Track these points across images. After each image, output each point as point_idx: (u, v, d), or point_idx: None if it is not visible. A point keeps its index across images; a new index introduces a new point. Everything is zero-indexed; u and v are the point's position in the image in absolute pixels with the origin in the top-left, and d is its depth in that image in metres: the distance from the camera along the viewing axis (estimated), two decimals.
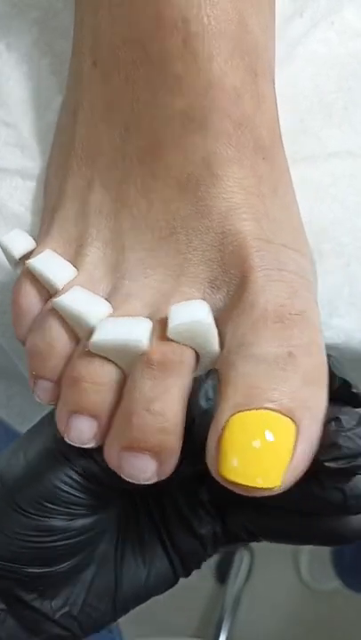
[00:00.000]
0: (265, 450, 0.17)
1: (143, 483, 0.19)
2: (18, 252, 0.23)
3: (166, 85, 0.20)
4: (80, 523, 0.21)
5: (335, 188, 0.25)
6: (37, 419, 0.23)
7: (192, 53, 0.20)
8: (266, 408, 0.18)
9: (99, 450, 0.20)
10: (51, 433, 0.21)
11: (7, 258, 0.24)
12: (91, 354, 0.20)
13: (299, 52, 0.26)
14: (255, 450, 0.17)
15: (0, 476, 0.22)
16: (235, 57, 0.20)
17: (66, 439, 0.20)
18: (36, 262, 0.22)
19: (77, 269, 0.22)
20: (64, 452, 0.21)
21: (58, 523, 0.21)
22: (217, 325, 0.20)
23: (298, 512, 0.21)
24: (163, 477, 0.19)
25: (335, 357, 0.20)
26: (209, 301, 0.20)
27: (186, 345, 0.20)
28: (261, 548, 0.83)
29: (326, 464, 0.18)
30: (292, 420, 0.18)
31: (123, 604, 0.23)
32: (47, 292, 0.22)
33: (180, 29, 0.20)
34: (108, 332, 0.20)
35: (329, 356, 0.20)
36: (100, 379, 0.20)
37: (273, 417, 0.18)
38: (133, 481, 0.19)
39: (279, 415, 0.18)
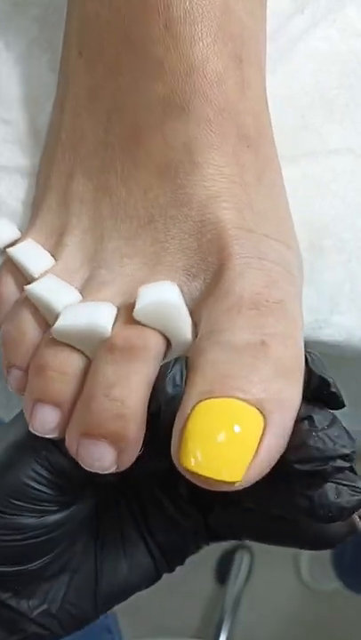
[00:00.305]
0: (229, 442, 0.16)
1: (102, 472, 0.18)
2: (2, 241, 0.23)
3: (148, 71, 0.20)
4: (51, 519, 0.20)
5: (336, 184, 0.25)
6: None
7: (174, 38, 0.19)
8: (233, 397, 0.17)
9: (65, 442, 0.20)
10: (21, 427, 0.21)
11: None
12: (57, 342, 0.19)
13: (300, 48, 0.26)
14: (219, 441, 0.16)
15: None
16: (218, 42, 0.20)
17: (30, 429, 0.20)
18: (14, 251, 0.22)
19: (56, 259, 0.22)
20: (31, 446, 0.20)
21: (27, 520, 0.20)
22: (192, 315, 0.19)
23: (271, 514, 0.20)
24: (123, 467, 0.18)
25: (316, 354, 0.19)
26: (185, 290, 0.20)
27: (153, 329, 0.19)
28: (261, 548, 0.82)
29: (295, 466, 0.17)
30: (261, 413, 0.17)
31: (104, 600, 0.22)
32: (26, 281, 0.22)
33: (163, 14, 0.19)
34: (70, 318, 0.19)
35: (309, 353, 0.19)
36: (64, 367, 0.19)
37: (240, 407, 0.17)
38: (92, 470, 0.18)
39: (247, 405, 0.17)
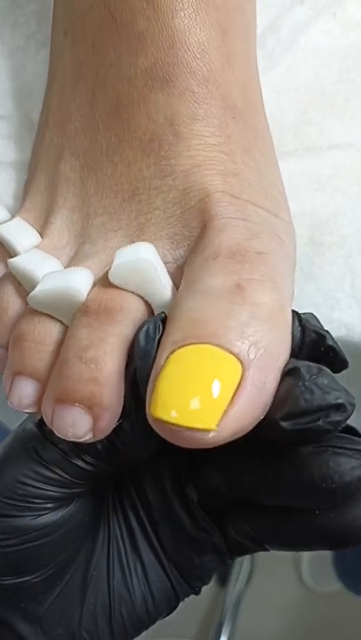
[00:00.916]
0: (203, 389, 0.15)
1: (78, 440, 0.17)
2: None
3: (130, 45, 0.20)
4: (47, 519, 0.19)
5: (337, 179, 0.25)
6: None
7: (154, 10, 0.19)
8: (208, 343, 0.15)
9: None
10: (23, 425, 0.20)
11: None
12: (34, 312, 0.19)
13: (300, 42, 0.26)
14: (192, 388, 0.15)
15: None
16: (200, 12, 0.19)
17: (8, 403, 0.19)
18: (1, 228, 0.22)
19: (43, 237, 0.22)
20: (19, 440, 0.19)
21: (21, 521, 0.19)
22: (178, 281, 0.19)
23: (288, 508, 0.18)
24: (100, 436, 0.17)
25: (309, 313, 0.18)
26: (170, 258, 0.19)
27: (131, 293, 0.18)
28: None
29: (282, 425, 0.15)
30: (238, 360, 0.15)
31: (121, 628, 0.20)
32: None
33: None
34: (46, 284, 0.19)
35: (303, 314, 0.18)
36: (42, 337, 0.19)
37: (215, 353, 0.15)
38: (67, 438, 0.17)
39: (223, 352, 0.15)
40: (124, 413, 0.18)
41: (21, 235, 0.22)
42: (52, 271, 0.20)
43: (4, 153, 0.26)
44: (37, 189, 0.23)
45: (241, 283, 0.16)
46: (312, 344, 0.17)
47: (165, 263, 0.19)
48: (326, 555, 0.81)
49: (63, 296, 0.18)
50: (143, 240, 0.20)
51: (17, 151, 0.26)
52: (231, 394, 0.15)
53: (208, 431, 0.15)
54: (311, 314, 0.18)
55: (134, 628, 0.20)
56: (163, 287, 0.18)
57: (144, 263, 0.18)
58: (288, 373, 0.16)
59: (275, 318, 0.17)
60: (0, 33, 0.26)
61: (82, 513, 0.21)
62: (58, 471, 0.19)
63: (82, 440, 0.17)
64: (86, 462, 0.19)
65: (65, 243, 0.21)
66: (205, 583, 0.21)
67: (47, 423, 0.18)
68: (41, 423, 0.19)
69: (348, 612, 0.83)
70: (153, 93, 0.19)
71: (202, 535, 0.20)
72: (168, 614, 0.21)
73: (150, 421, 0.16)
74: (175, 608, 0.21)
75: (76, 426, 0.17)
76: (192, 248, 0.19)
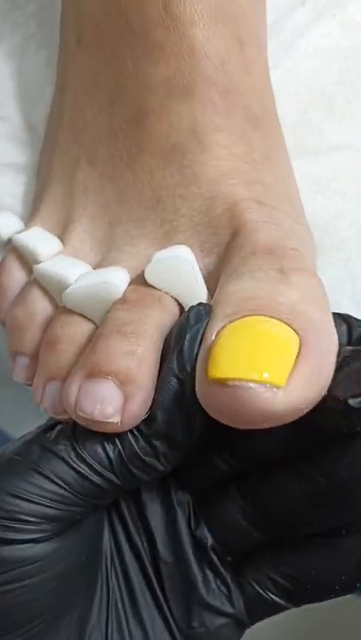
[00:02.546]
0: (267, 350, 0.14)
1: (105, 420, 0.15)
2: (6, 233, 0.23)
3: (149, 54, 0.20)
4: (37, 550, 0.16)
5: (337, 182, 0.25)
6: (31, 423, 0.22)
7: (173, 19, 0.19)
8: (262, 315, 0.15)
9: (68, 444, 0.16)
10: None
11: None
12: (67, 314, 0.19)
13: (301, 44, 0.25)
14: (255, 350, 0.14)
15: None
16: (218, 23, 0.19)
17: (41, 408, 0.18)
18: (22, 237, 0.22)
19: (64, 245, 0.21)
20: (14, 451, 0.17)
21: (7, 551, 0.16)
22: (211, 288, 0.19)
23: (333, 536, 0.17)
24: (128, 422, 0.16)
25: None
26: (200, 266, 0.19)
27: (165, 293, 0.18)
28: None
29: (350, 402, 0.14)
30: (295, 332, 0.15)
31: None
32: (32, 269, 0.22)
33: None
34: (83, 282, 0.18)
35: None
36: (77, 339, 0.18)
37: (273, 322, 0.15)
38: (92, 419, 0.15)
39: (279, 322, 0.15)
40: (153, 408, 0.16)
41: (43, 242, 0.21)
42: (88, 272, 0.19)
43: (4, 154, 0.26)
44: (53, 198, 0.22)
45: (284, 270, 0.16)
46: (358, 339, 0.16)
47: None
48: None
49: (101, 292, 0.18)
50: (172, 245, 0.19)
51: (17, 153, 0.26)
52: (293, 359, 0.14)
53: (277, 388, 0.14)
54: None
55: None
56: (199, 287, 0.18)
57: (182, 261, 0.18)
58: (350, 356, 0.15)
59: (321, 300, 0.16)
60: (0, 33, 0.26)
61: (78, 550, 0.18)
62: (57, 480, 0.16)
63: (108, 420, 0.15)
64: (92, 469, 0.16)
65: (87, 250, 0.21)
66: None
67: (68, 407, 0.16)
68: (47, 428, 0.18)
69: (348, 612, 0.83)
70: (174, 103, 0.19)
71: (216, 592, 0.18)
72: None
73: (205, 390, 0.14)
74: None
75: (105, 402, 0.15)
76: (224, 254, 0.19)
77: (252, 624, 0.18)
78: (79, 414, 0.16)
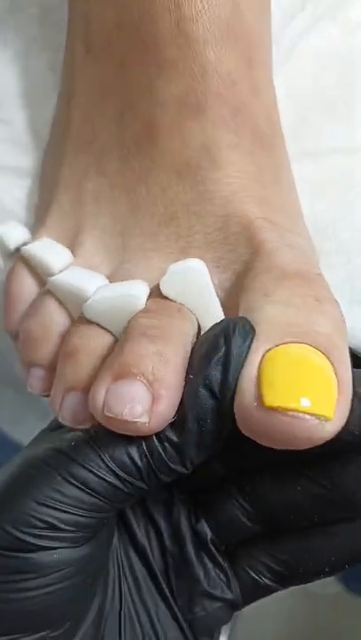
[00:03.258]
0: (314, 380, 0.15)
1: (133, 420, 0.15)
2: (13, 242, 0.23)
3: (160, 70, 0.20)
4: (75, 552, 0.16)
5: (336, 184, 0.25)
6: (29, 423, 0.22)
7: (186, 37, 0.19)
8: (305, 343, 0.15)
9: (85, 449, 0.17)
10: (40, 445, 0.18)
11: (1, 250, 0.24)
12: (86, 325, 0.19)
13: (300, 47, 0.26)
14: (305, 379, 0.15)
15: None
16: (228, 42, 0.20)
17: (60, 420, 0.18)
18: (32, 248, 0.22)
19: (75, 256, 0.22)
20: (42, 459, 0.17)
21: (43, 557, 0.16)
22: (225, 304, 0.19)
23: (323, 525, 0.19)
24: (156, 423, 0.16)
25: None
26: (215, 282, 0.19)
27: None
28: None
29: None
30: (331, 362, 0.16)
31: None
32: (42, 280, 0.22)
33: (174, 13, 0.19)
34: (104, 293, 0.19)
35: None
36: (98, 350, 0.18)
37: (315, 351, 0.15)
38: (122, 421, 0.16)
39: (319, 352, 0.15)
40: (180, 412, 0.16)
41: (54, 254, 0.21)
42: (107, 285, 0.20)
43: (6, 157, 0.26)
44: (61, 207, 0.22)
45: (319, 298, 0.17)
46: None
47: None
48: None
49: (124, 304, 0.18)
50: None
51: (19, 155, 0.26)
52: (336, 392, 0.15)
53: (326, 419, 0.15)
54: None
55: None
56: (213, 299, 0.19)
57: (195, 272, 0.18)
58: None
59: (344, 331, 0.17)
60: (2, 37, 0.26)
61: (103, 549, 0.18)
62: (89, 491, 0.16)
63: (137, 420, 0.16)
64: (121, 480, 0.16)
65: (99, 262, 0.21)
66: (212, 638, 0.20)
67: (95, 410, 0.16)
68: (58, 430, 0.18)
69: (348, 613, 0.83)
70: (187, 120, 0.20)
71: (216, 581, 0.19)
72: None
73: (253, 414, 0.15)
74: None
75: (135, 401, 0.15)
76: (242, 273, 0.19)
77: (245, 606, 0.20)
78: (107, 415, 0.16)
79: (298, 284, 0.17)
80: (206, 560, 0.19)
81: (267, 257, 0.18)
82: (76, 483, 0.16)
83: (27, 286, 0.22)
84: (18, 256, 0.22)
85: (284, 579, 0.19)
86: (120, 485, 0.16)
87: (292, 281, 0.17)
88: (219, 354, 0.16)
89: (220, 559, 0.20)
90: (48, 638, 0.17)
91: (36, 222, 0.24)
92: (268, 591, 0.20)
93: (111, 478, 0.16)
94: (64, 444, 0.17)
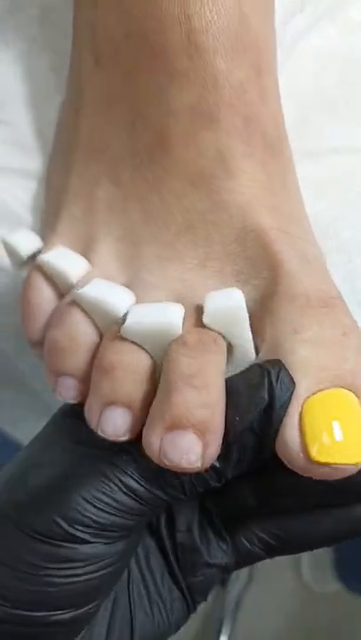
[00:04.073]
0: (354, 428, 0.17)
1: (188, 467, 0.17)
2: (25, 250, 0.23)
3: (171, 79, 0.20)
4: (118, 546, 0.19)
5: (337, 183, 0.25)
6: (29, 423, 0.23)
7: (197, 48, 0.20)
8: (338, 387, 0.17)
9: (135, 461, 0.19)
10: (72, 445, 0.20)
11: (12, 257, 0.24)
12: (121, 341, 0.19)
13: (300, 47, 0.26)
14: (346, 429, 0.17)
15: (11, 501, 0.19)
16: (238, 52, 0.20)
17: (99, 433, 0.19)
18: (48, 257, 0.22)
19: (91, 265, 0.22)
20: (94, 467, 0.19)
21: (91, 549, 0.18)
22: (250, 319, 0.20)
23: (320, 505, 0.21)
24: (207, 464, 0.18)
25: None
26: None
27: (217, 332, 0.19)
28: None
29: None
30: (355, 394, 0.18)
31: None
32: (58, 288, 0.22)
33: (184, 24, 0.19)
34: (141, 317, 0.19)
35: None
36: (134, 366, 0.19)
37: (347, 393, 0.17)
38: (178, 466, 0.17)
39: (348, 392, 0.17)
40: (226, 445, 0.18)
41: (71, 263, 0.21)
42: (141, 304, 0.20)
43: (7, 159, 0.26)
44: (72, 215, 0.23)
45: (345, 331, 0.18)
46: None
47: None
48: (326, 555, 0.81)
49: (162, 330, 0.19)
50: (208, 273, 0.20)
51: (21, 157, 0.26)
52: None
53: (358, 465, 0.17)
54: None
55: None
56: (249, 331, 0.20)
57: (240, 310, 0.19)
58: None
59: None
60: (2, 37, 0.26)
61: (135, 544, 0.21)
62: (137, 499, 0.18)
63: (192, 466, 0.18)
64: (165, 492, 0.19)
65: (115, 271, 0.21)
66: (205, 598, 0.22)
67: (151, 454, 0.18)
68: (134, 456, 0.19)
69: (348, 612, 0.83)
70: (200, 130, 0.20)
71: (218, 551, 0.22)
72: (177, 630, 0.22)
73: (307, 467, 0.17)
74: (184, 624, 0.22)
75: (191, 450, 0.17)
76: (264, 292, 0.20)
77: (235, 570, 0.22)
78: (163, 461, 0.18)
79: (323, 313, 0.19)
80: (210, 532, 0.22)
81: (288, 280, 0.19)
82: (127, 492, 0.18)
83: (45, 295, 0.22)
84: (33, 265, 0.22)
85: (274, 550, 0.22)
86: (164, 497, 0.19)
87: (317, 310, 0.19)
88: (263, 403, 0.17)
89: (224, 532, 0.22)
90: (77, 614, 0.19)
91: (45, 228, 0.24)
92: (257, 559, 0.22)
93: (159, 493, 0.19)
94: (116, 456, 0.19)
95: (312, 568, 0.85)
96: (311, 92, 0.26)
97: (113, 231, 0.22)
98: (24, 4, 0.26)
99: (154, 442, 0.18)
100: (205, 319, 0.19)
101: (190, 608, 0.22)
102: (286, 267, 0.19)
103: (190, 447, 0.17)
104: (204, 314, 0.19)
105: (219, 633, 0.80)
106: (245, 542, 0.22)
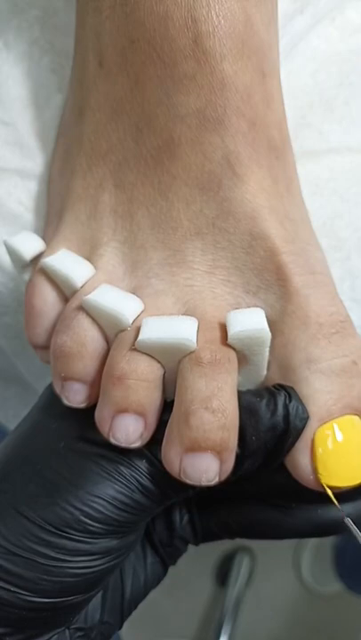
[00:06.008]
0: (358, 449, 0.19)
1: (207, 484, 0.19)
2: (28, 253, 0.23)
3: (178, 84, 0.20)
4: (127, 540, 0.20)
5: (335, 182, 0.25)
6: None
7: (204, 53, 0.20)
8: (347, 414, 0.19)
9: (151, 464, 0.20)
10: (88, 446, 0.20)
11: (15, 260, 0.23)
12: (134, 352, 0.19)
13: (300, 48, 0.26)
14: (354, 454, 0.19)
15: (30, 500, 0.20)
16: (243, 57, 0.20)
17: (111, 440, 0.19)
18: (52, 261, 0.22)
19: (96, 269, 0.22)
20: (121, 470, 0.20)
21: (109, 543, 0.20)
22: None
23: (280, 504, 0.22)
24: (223, 478, 0.19)
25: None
26: (243, 305, 0.21)
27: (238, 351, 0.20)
28: (262, 550, 0.82)
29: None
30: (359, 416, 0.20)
31: (128, 610, 0.23)
32: (62, 292, 0.22)
33: (191, 29, 0.20)
34: (156, 331, 0.19)
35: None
36: (146, 375, 0.19)
37: (352, 419, 0.19)
38: (197, 483, 0.19)
39: (353, 417, 0.19)
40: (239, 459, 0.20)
41: (76, 267, 0.21)
42: (156, 317, 0.20)
43: (9, 159, 0.26)
44: (77, 218, 0.23)
45: (355, 359, 0.20)
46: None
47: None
48: (326, 555, 0.81)
49: (176, 345, 0.19)
50: (217, 282, 0.21)
51: (22, 158, 0.26)
52: None
53: None
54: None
55: (136, 605, 0.23)
56: (267, 351, 0.20)
57: (264, 333, 0.20)
58: None
59: None
60: (3, 39, 0.26)
61: (143, 528, 0.23)
62: (152, 499, 0.20)
63: (210, 483, 0.19)
64: (177, 493, 0.20)
65: (121, 276, 0.22)
66: (175, 563, 0.25)
67: (171, 471, 0.19)
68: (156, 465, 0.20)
69: (348, 612, 0.83)
70: (208, 134, 0.20)
71: (188, 529, 0.24)
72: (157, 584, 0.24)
73: (310, 484, 0.19)
74: (161, 579, 0.24)
75: (210, 470, 0.19)
76: (274, 309, 0.20)
77: (199, 544, 0.25)
78: (184, 479, 0.19)
79: (335, 341, 0.20)
80: (185, 513, 0.24)
81: (298, 301, 0.20)
82: (144, 492, 0.20)
83: (50, 300, 0.22)
84: (37, 268, 0.22)
85: (235, 534, 0.24)
86: (176, 496, 0.20)
87: (329, 338, 0.20)
88: (280, 429, 0.19)
89: (197, 515, 0.24)
90: (87, 597, 0.20)
91: (48, 230, 0.24)
92: (218, 538, 0.24)
93: (171, 492, 0.20)
94: (133, 459, 0.20)
95: (312, 568, 0.85)
96: (310, 92, 0.26)
97: (118, 235, 0.22)
98: (25, 6, 0.26)
99: (174, 460, 0.19)
100: (231, 340, 0.19)
101: (166, 568, 0.24)
102: (295, 283, 0.20)
103: (209, 466, 0.19)
104: (229, 335, 0.19)
105: (219, 633, 0.80)
106: (213, 526, 0.24)
